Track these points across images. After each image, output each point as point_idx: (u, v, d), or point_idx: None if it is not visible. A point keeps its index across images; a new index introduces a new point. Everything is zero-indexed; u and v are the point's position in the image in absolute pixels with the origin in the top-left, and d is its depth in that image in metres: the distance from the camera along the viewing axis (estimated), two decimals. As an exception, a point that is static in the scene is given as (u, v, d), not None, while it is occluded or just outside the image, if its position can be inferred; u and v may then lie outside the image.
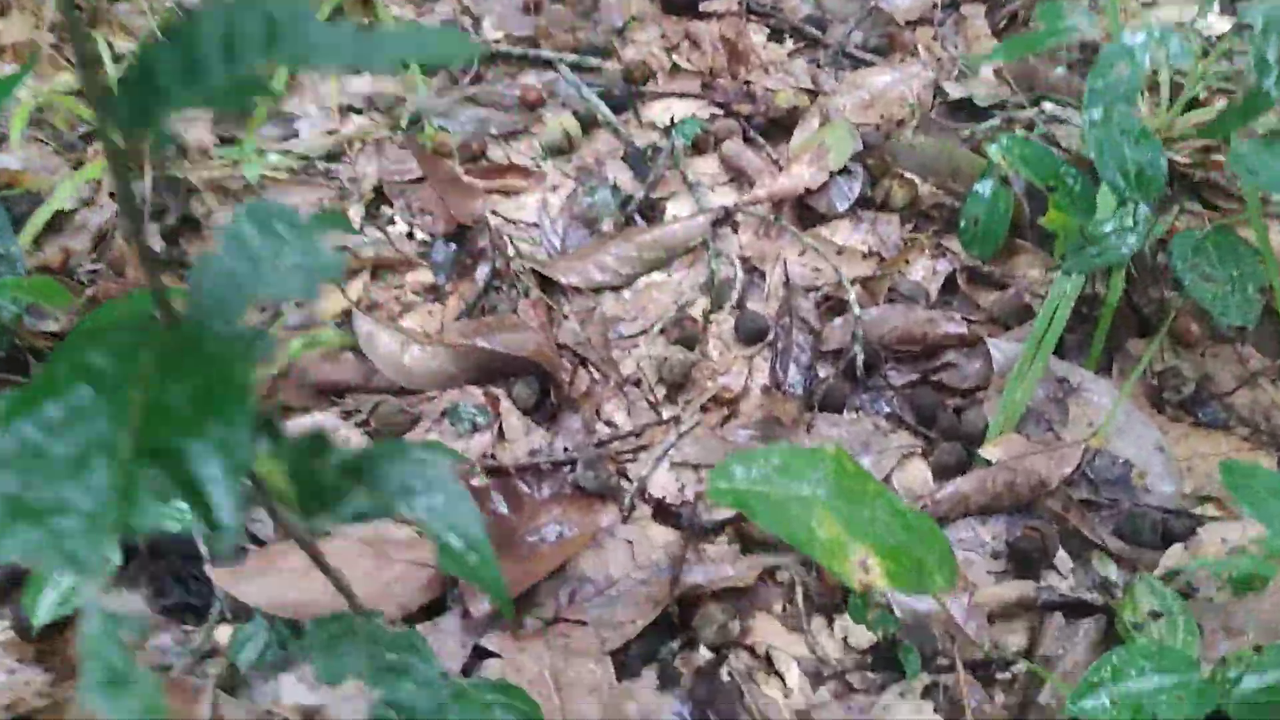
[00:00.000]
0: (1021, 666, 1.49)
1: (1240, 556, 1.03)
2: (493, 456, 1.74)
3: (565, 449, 1.78)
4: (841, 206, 2.13)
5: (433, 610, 1.54)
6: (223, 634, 1.53)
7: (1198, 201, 1.99)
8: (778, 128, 2.33)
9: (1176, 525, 1.61)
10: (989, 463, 1.67)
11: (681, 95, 2.43)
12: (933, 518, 1.63)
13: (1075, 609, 1.54)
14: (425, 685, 1.05)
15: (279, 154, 2.24)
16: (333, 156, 2.31)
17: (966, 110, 2.35)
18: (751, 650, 1.52)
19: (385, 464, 0.82)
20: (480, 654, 1.51)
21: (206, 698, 1.41)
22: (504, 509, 1.67)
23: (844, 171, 2.15)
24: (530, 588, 1.56)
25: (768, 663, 1.51)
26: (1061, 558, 1.61)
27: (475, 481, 1.68)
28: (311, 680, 1.06)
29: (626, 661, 1.51)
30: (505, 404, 1.83)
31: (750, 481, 1.12)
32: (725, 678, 1.47)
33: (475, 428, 1.78)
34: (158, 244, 2.03)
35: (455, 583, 1.56)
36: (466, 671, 1.46)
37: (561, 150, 2.32)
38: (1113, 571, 1.59)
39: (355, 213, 2.18)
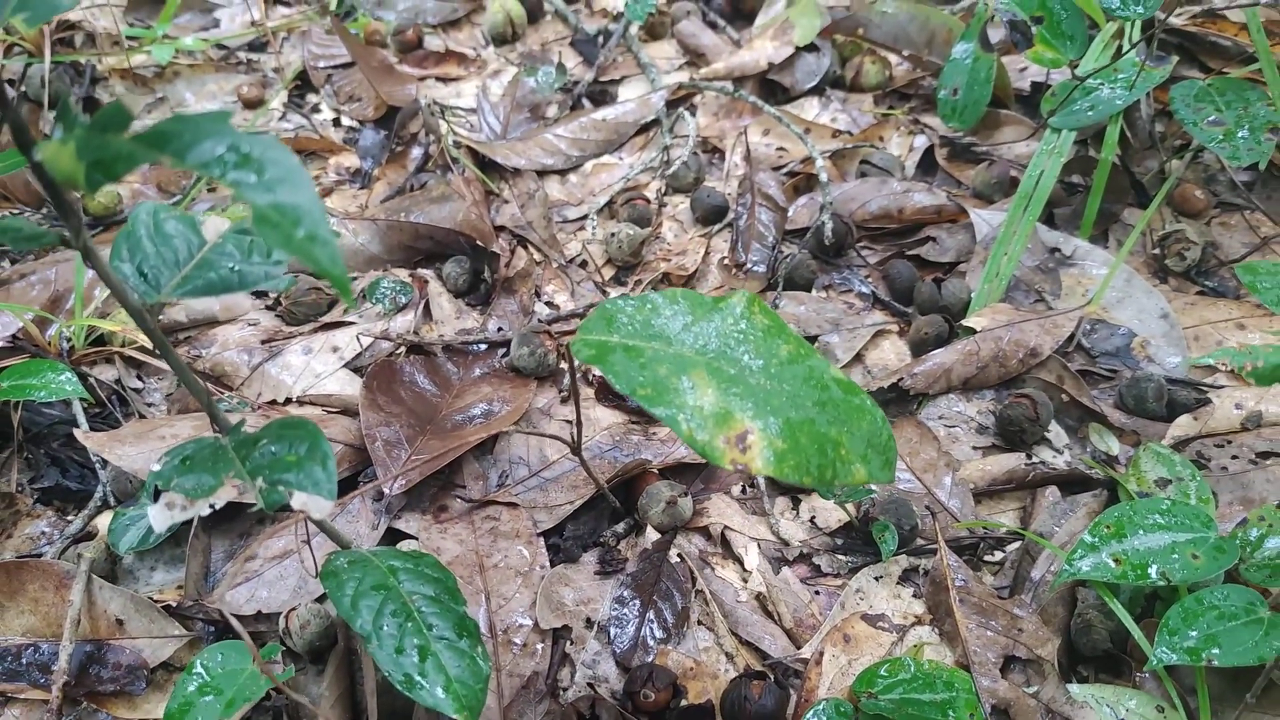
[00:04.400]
0: (1013, 547, 1.31)
1: (1263, 347, 0.85)
2: (416, 334, 1.55)
3: (499, 330, 1.59)
4: (808, 84, 1.94)
5: (341, 491, 1.35)
6: (106, 522, 1.34)
7: (1196, 67, 1.81)
8: (740, 14, 2.16)
9: (1183, 395, 1.43)
10: (973, 333, 1.49)
11: (637, -16, 2.25)
12: (908, 392, 1.45)
13: (1072, 484, 1.36)
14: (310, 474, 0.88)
15: (196, 40, 2.05)
16: (257, 46, 2.12)
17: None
18: (706, 533, 1.33)
19: (192, 132, 0.63)
20: (395, 538, 1.32)
21: (79, 584, 1.22)
22: (430, 387, 1.47)
23: (811, 48, 1.97)
24: (454, 468, 1.37)
25: (724, 546, 1.32)
26: (1056, 432, 1.42)
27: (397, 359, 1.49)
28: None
29: (563, 546, 1.32)
30: (434, 285, 1.64)
31: (624, 333, 0.92)
32: (675, 561, 1.28)
33: (397, 306, 1.59)
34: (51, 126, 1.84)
35: (367, 461, 1.37)
36: (377, 556, 1.27)
37: (505, 39, 2.13)
38: (1114, 444, 1.41)
39: (277, 100, 1.99)
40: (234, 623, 0.90)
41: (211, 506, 0.86)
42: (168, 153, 0.62)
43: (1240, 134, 1.46)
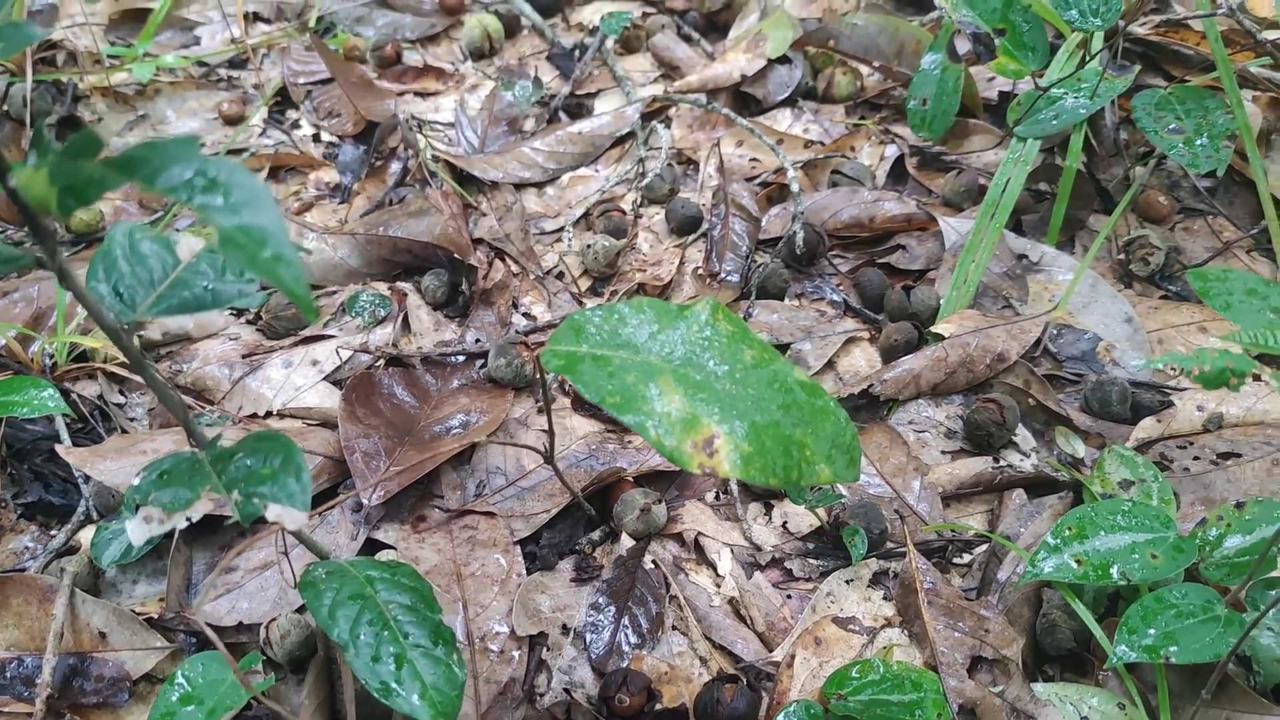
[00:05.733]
0: (980, 550, 1.33)
1: (1209, 351, 0.88)
2: (394, 346, 1.57)
3: (477, 341, 1.61)
4: (780, 95, 1.97)
5: (320, 502, 1.37)
6: (88, 536, 1.35)
7: (1160, 75, 1.85)
8: (714, 27, 2.19)
9: (1147, 397, 1.46)
10: (942, 339, 1.51)
11: (613, -2, 2.28)
12: (878, 398, 1.48)
13: (1038, 486, 1.39)
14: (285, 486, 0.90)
15: (177, 58, 2.07)
16: (237, 63, 2.15)
17: (916, 3, 2.21)
18: (680, 539, 1.35)
19: (160, 157, 0.66)
20: (374, 548, 1.34)
21: (62, 598, 1.24)
22: (408, 399, 1.50)
23: (783, 60, 2.00)
24: (432, 479, 1.39)
25: (698, 551, 1.35)
26: (1023, 436, 1.45)
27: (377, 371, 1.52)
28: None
29: (539, 553, 1.34)
30: (413, 298, 1.66)
31: (593, 343, 0.94)
32: (649, 567, 1.31)
33: (376, 319, 1.61)
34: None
35: (346, 473, 1.39)
36: (357, 566, 1.30)
37: (483, 54, 2.16)
38: (1079, 447, 1.44)
39: (257, 116, 2.02)
40: (209, 633, 0.92)
41: (188, 519, 0.88)
42: (137, 178, 0.64)
43: (1199, 141, 1.49)
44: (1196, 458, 1.38)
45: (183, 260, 0.94)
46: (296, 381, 1.53)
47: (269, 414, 1.50)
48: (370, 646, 0.98)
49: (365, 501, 1.34)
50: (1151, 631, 1.09)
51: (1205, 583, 1.15)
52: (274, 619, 1.22)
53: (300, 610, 1.24)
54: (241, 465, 0.91)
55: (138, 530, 0.87)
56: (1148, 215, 1.71)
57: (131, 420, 1.51)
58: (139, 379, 1.53)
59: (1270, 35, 1.66)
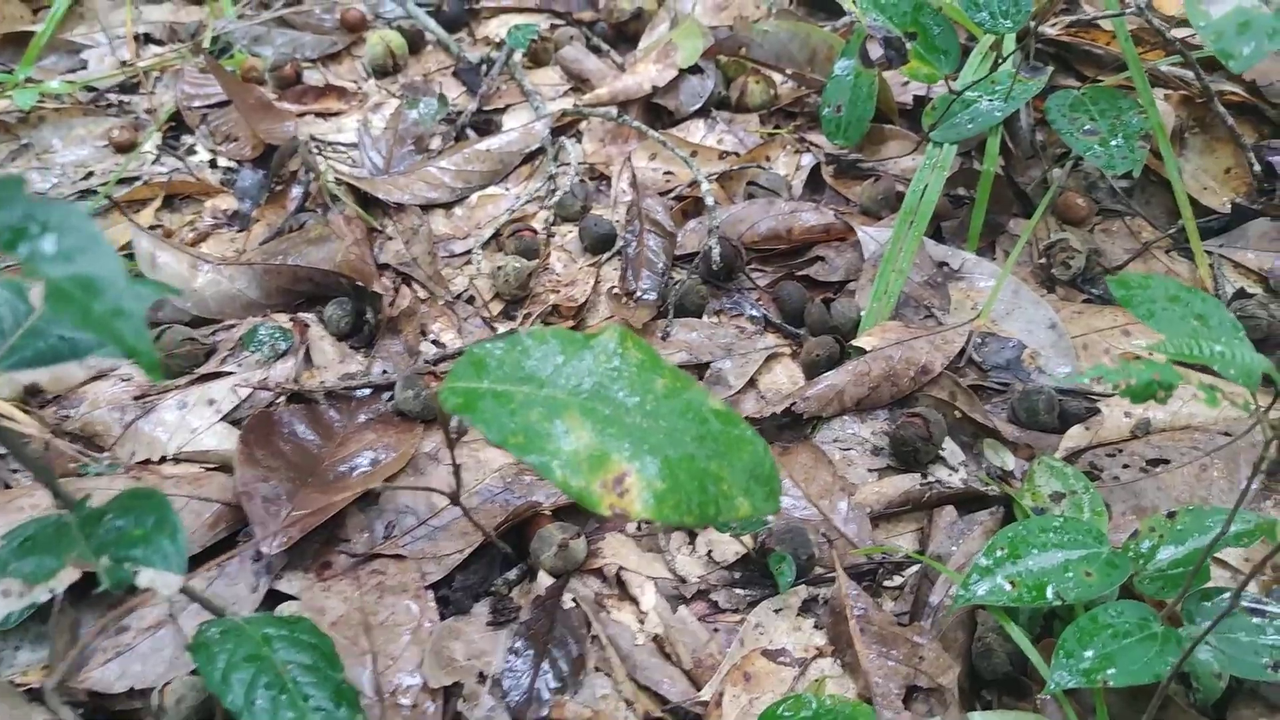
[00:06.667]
0: (911, 571, 1.29)
1: (1134, 364, 0.85)
2: (295, 382, 1.49)
3: (384, 372, 1.54)
4: (693, 106, 1.93)
5: (220, 552, 1.29)
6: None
7: (1073, 76, 1.83)
8: (624, 38, 2.14)
9: (1074, 405, 1.43)
10: (864, 352, 1.47)
11: (520, 10, 2.22)
12: (802, 416, 1.44)
13: (968, 502, 1.35)
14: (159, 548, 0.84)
15: (62, 83, 1.97)
16: (128, 87, 2.05)
17: (827, 9, 2.18)
18: (601, 574, 1.29)
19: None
20: (277, 599, 1.26)
21: (-69, 671, 1.15)
22: (312, 437, 1.42)
23: (695, 70, 1.95)
24: (338, 522, 1.32)
25: (620, 586, 1.29)
26: (951, 450, 1.42)
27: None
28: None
29: (453, 597, 1.27)
30: (316, 330, 1.58)
31: (494, 378, 0.88)
32: (569, 606, 1.25)
33: (277, 353, 1.53)
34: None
35: (245, 521, 1.31)
36: (258, 620, 1.22)
37: (387, 71, 2.09)
38: (1009, 460, 1.40)
39: (150, 142, 1.92)
40: (65, 714, 0.85)
41: (51, 592, 0.81)
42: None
43: (1114, 142, 1.47)
44: (1126, 465, 1.35)
45: (36, 308, 0.87)
46: (192, 423, 1.44)
47: (164, 459, 1.41)
48: (267, 712, 0.92)
49: (265, 550, 1.26)
50: (1088, 654, 1.05)
51: (1140, 598, 1.12)
52: (168, 682, 1.14)
53: (196, 671, 1.16)
54: (112, 527, 0.85)
55: (-7, 606, 0.80)
56: (1067, 217, 1.69)
57: (14, 472, 1.41)
58: (21, 428, 1.44)
59: (1180, 33, 1.65)
